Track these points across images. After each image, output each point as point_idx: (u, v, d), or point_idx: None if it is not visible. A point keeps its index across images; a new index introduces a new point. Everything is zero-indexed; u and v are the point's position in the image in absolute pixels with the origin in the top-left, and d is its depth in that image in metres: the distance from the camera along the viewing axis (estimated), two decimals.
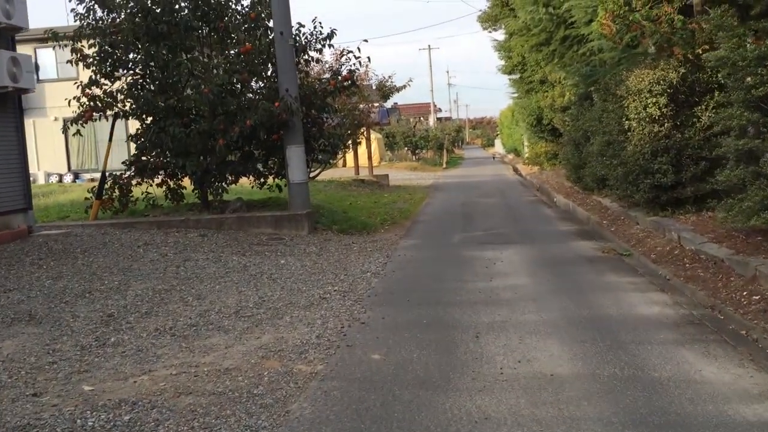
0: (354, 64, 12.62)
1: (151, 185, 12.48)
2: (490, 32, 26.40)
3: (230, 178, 12.31)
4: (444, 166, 36.71)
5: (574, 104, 17.91)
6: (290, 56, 11.76)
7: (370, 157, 24.54)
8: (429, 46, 62.39)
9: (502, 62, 28.00)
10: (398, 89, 20.88)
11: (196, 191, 12.55)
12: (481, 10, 26.60)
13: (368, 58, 12.72)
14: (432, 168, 34.81)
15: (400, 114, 61.48)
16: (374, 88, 20.48)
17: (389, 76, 20.68)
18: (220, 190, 11.80)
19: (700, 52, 10.55)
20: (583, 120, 16.23)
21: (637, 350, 4.90)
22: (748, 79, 7.11)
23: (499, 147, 60.03)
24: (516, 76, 27.03)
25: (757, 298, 6.21)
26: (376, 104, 21.55)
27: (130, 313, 6.29)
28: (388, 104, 61.14)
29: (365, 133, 22.41)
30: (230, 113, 11.62)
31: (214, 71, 11.71)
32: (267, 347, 5.27)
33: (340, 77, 12.66)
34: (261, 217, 11.34)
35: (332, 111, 13.29)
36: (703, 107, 10.45)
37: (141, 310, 6.41)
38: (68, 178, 24.58)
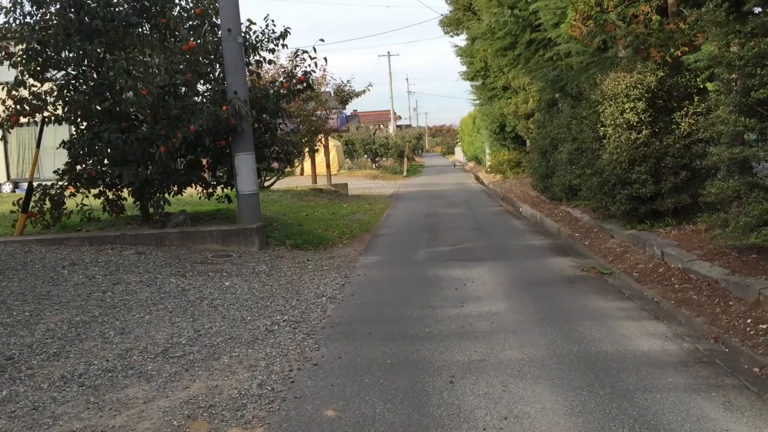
0: (309, 65, 11.70)
1: (87, 196, 11.34)
2: (452, 37, 25.76)
3: (174, 188, 11.23)
4: (405, 174, 35.91)
5: (540, 111, 17.26)
6: (239, 56, 10.77)
7: (328, 166, 23.57)
8: (389, 52, 62.19)
9: (464, 68, 27.38)
10: (357, 94, 19.99)
11: (138, 203, 11.45)
12: (442, 15, 25.92)
13: (324, 59, 11.81)
14: (392, 176, 33.99)
15: (359, 121, 60.65)
16: (332, 93, 19.53)
17: (348, 81, 19.82)
18: (161, 202, 10.71)
19: (679, 54, 9.89)
20: (550, 127, 15.56)
21: (646, 401, 4.06)
22: (749, 80, 6.38)
23: (459, 155, 59.59)
24: (478, 83, 26.42)
25: (764, 327, 5.45)
26: (334, 110, 20.61)
27: (34, 355, 5.22)
28: (348, 111, 60.36)
29: (323, 140, 21.46)
30: (173, 118, 10.59)
31: (155, 71, 10.65)
32: (196, 401, 4.28)
33: (294, 79, 11.70)
34: (206, 232, 10.29)
35: (286, 116, 12.32)
36: (683, 113, 9.78)
37: (49, 350, 5.34)
38: (7, 188, 23.04)
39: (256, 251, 10.22)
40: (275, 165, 15.64)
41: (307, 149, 20.26)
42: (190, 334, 5.83)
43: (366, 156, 41.69)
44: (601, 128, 10.23)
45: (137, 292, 7.31)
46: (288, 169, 23.70)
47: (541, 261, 9.16)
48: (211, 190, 12.08)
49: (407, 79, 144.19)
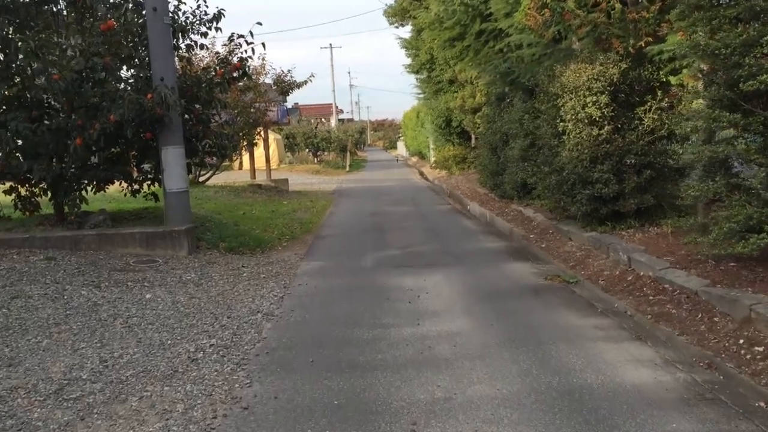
0: (246, 51, 10.66)
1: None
2: (396, 28, 24.97)
3: (93, 185, 10.08)
4: (347, 169, 34.99)
5: (489, 105, 16.62)
6: (166, 38, 9.68)
7: (268, 160, 22.48)
8: (330, 45, 60.64)
9: (409, 60, 26.64)
10: (299, 85, 18.95)
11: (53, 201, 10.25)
12: (387, 5, 25.11)
13: (263, 44, 10.80)
14: (335, 171, 33.03)
15: (300, 114, 59.36)
16: (272, 84, 18.46)
17: (288, 71, 18.76)
18: (77, 201, 9.56)
19: (643, 45, 9.31)
20: (500, 122, 14.92)
21: None
22: (735, 71, 5.73)
23: (402, 149, 58.93)
24: (423, 76, 25.71)
25: (760, 350, 4.80)
26: (274, 102, 19.54)
27: None
28: (289, 104, 59.07)
29: (262, 133, 20.36)
30: (91, 106, 9.44)
31: (71, 54, 9.46)
32: None
33: (229, 66, 10.66)
34: (128, 235, 9.20)
35: (221, 106, 11.26)
36: (646, 108, 9.21)
37: None
38: None
39: (185, 256, 9.18)
40: (209, 160, 14.55)
41: (245, 143, 19.13)
42: (94, 364, 4.83)
43: (308, 150, 40.55)
44: (561, 123, 9.57)
45: (38, 309, 6.24)
46: (226, 164, 22.54)
47: (498, 267, 8.42)
48: (136, 186, 10.97)
49: (349, 73, 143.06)
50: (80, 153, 9.35)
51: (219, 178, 20.72)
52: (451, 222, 13.43)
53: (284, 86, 18.48)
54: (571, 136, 9.33)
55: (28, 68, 9.04)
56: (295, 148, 40.49)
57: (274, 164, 33.03)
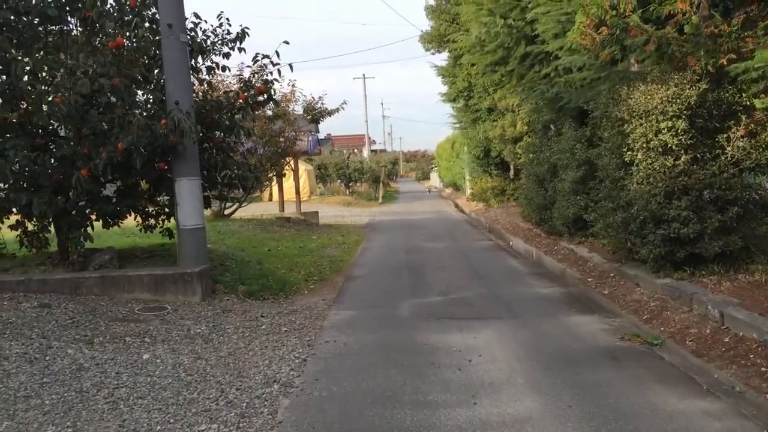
0: (271, 73, 9.66)
1: None
2: (433, 54, 24.02)
3: (101, 220, 9.09)
4: (380, 200, 33.94)
5: (536, 133, 15.42)
6: (182, 58, 8.72)
7: (297, 192, 21.50)
8: (364, 75, 60.12)
9: (446, 88, 25.64)
10: (330, 113, 17.96)
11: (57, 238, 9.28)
12: (422, 31, 24.17)
13: (290, 66, 9.76)
14: (367, 203, 31.99)
15: (333, 145, 58.79)
16: (302, 111, 17.53)
17: (319, 98, 17.79)
18: (80, 238, 8.54)
19: (725, 63, 8.06)
20: (548, 152, 13.71)
21: None
22: None
23: (435, 180, 57.87)
24: (460, 104, 24.64)
25: None
26: (304, 131, 18.60)
27: None
28: (322, 134, 58.50)
29: (292, 163, 19.41)
30: (100, 134, 8.51)
31: (79, 74, 8.53)
32: None
33: (252, 90, 9.66)
34: (135, 278, 8.14)
35: (244, 134, 10.26)
36: (727, 135, 7.95)
37: None
38: None
39: (198, 302, 8.08)
40: (236, 193, 13.59)
41: (273, 174, 18.16)
42: None
43: (339, 181, 39.70)
44: (628, 152, 8.34)
45: (11, 375, 5.15)
46: (255, 195, 21.62)
47: (559, 320, 7.15)
48: (151, 221, 9.99)
49: (382, 104, 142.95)
50: (85, 185, 8.37)
51: (247, 210, 19.77)
52: (494, 261, 12.17)
53: (315, 114, 17.52)
54: (640, 167, 8.09)
55: (30, 92, 8.11)
56: (326, 178, 39.66)
57: (304, 195, 32.15)
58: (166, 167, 8.85)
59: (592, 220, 9.95)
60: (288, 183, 23.77)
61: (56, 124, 8.95)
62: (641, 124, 8.07)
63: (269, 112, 17.12)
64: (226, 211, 17.47)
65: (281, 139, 17.13)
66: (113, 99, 8.47)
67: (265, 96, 9.78)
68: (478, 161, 25.02)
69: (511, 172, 24.21)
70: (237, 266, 10.21)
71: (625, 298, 8.11)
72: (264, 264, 11.18)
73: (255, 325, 7.10)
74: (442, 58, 25.18)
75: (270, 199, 28.62)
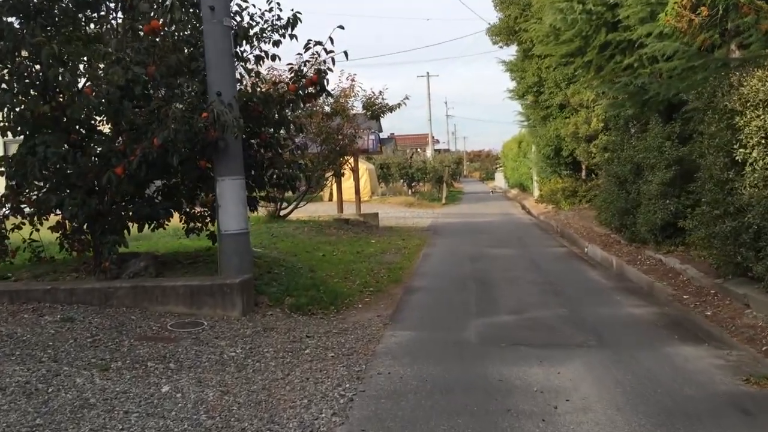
0: (324, 62, 8.70)
1: (38, 229, 8.52)
2: (501, 47, 22.72)
3: (137, 223, 8.32)
4: (443, 201, 32.78)
5: (617, 130, 14.03)
6: (225, 44, 7.85)
7: (357, 192, 20.59)
8: (428, 73, 59.23)
9: (513, 84, 24.34)
10: (391, 108, 16.94)
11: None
12: (490, 23, 22.94)
13: (345, 53, 8.81)
14: (430, 204, 30.88)
15: (396, 144, 57.83)
16: (361, 107, 16.59)
17: (380, 92, 16.77)
18: (113, 243, 7.76)
19: None
20: (631, 150, 12.36)
21: None
22: None
23: (500, 181, 56.30)
24: (529, 101, 23.29)
25: None
26: (365, 129, 17.64)
27: None
28: (385, 134, 57.66)
29: (351, 162, 18.49)
30: (138, 128, 7.74)
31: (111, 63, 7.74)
32: None
33: (303, 80, 8.72)
34: (170, 288, 7.29)
35: (296, 129, 9.36)
36: None
37: None
38: None
39: (238, 317, 7.19)
40: (290, 194, 12.78)
41: (331, 173, 17.28)
42: None
43: (402, 181, 38.69)
44: (740, 150, 7.03)
45: (1, 413, 4.31)
46: (314, 195, 20.83)
47: (662, 352, 5.92)
48: (196, 224, 9.21)
49: (446, 103, 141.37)
50: (118, 185, 7.60)
51: (306, 210, 18.97)
52: (570, 271, 10.92)
53: (375, 109, 16.53)
54: (757, 167, 6.79)
55: (66, 83, 7.36)
56: (389, 178, 38.74)
57: (365, 196, 31.28)
58: (208, 165, 8.00)
59: (691, 228, 8.62)
60: (348, 183, 22.90)
61: (97, 119, 8.27)
62: (758, 116, 6.76)
63: (327, 108, 16.26)
64: (282, 212, 16.66)
65: (339, 137, 16.21)
66: (151, 90, 7.67)
67: (318, 87, 8.83)
68: (548, 161, 23.63)
69: (583, 173, 22.76)
70: (286, 275, 9.31)
71: (734, 322, 6.82)
72: (316, 272, 10.26)
73: (298, 348, 6.13)
74: (510, 53, 23.95)
75: (330, 199, 27.82)
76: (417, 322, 7.34)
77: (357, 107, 16.53)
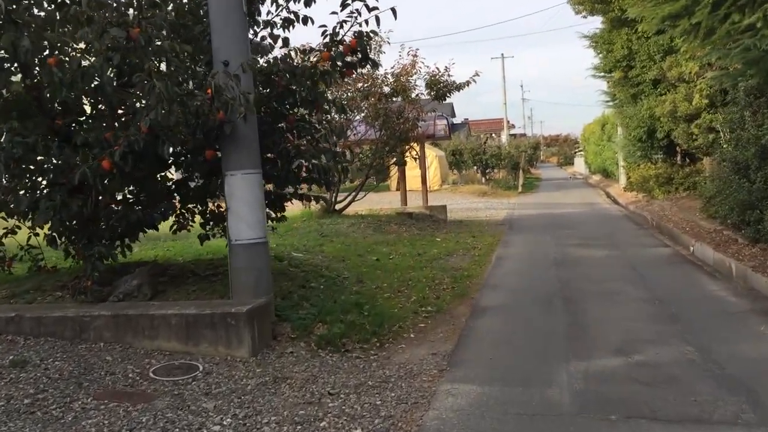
0: (367, 22, 6.78)
1: (36, 233, 7.02)
2: (585, 17, 20.21)
3: (126, 232, 6.65)
4: (519, 189, 30.41)
5: (736, 104, 11.57)
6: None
7: (424, 181, 18.63)
8: (502, 54, 56.22)
9: (598, 60, 21.77)
10: (458, 87, 14.82)
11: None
12: None
13: (393, 10, 6.88)
14: (505, 192, 28.59)
15: (469, 130, 55.36)
16: (424, 86, 14.54)
17: (445, 69, 14.65)
18: (98, 257, 6.11)
19: None
20: (755, 130, 9.98)
21: None
22: None
23: (580, 166, 53.19)
24: (616, 77, 20.70)
25: None
26: (429, 111, 15.61)
27: None
28: (459, 119, 55.36)
29: (416, 149, 16.52)
30: (134, 111, 6.09)
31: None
32: None
33: (340, 46, 6.83)
34: (160, 319, 5.57)
35: (336, 109, 7.51)
36: None
37: None
38: None
39: (246, 357, 5.41)
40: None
41: (391, 160, 15.39)
42: None
43: (475, 168, 36.44)
44: None
45: None
46: (378, 184, 19.03)
47: None
48: (213, 228, 7.55)
49: (522, 86, 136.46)
50: (108, 181, 6.00)
51: (369, 202, 17.23)
52: (682, 282, 8.69)
53: (440, 88, 14.50)
54: None
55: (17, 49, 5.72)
56: (461, 165, 36.58)
57: (435, 185, 29.32)
58: (217, 154, 6.26)
59: None
60: (414, 171, 20.98)
61: (85, 101, 6.68)
62: None
63: (386, 89, 14.36)
64: (338, 206, 14.91)
65: (400, 120, 14.29)
66: (136, 61, 5.94)
67: (359, 54, 6.94)
68: (639, 144, 21.02)
69: (678, 157, 20.11)
70: (325, 290, 7.54)
71: None
72: (365, 282, 8.46)
73: (312, 418, 4.29)
74: (594, 26, 21.38)
75: (397, 189, 25.97)
76: (485, 368, 5.37)
77: (420, 87, 14.54)
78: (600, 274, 9.35)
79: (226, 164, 6.11)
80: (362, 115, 14.42)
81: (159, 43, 5.71)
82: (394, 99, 14.39)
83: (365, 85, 14.01)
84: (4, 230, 6.94)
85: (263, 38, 7.26)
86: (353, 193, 15.19)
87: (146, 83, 5.42)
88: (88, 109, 6.66)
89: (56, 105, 6.50)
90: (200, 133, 5.84)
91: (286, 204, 7.56)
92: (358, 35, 6.83)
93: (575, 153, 64.04)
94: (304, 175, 6.91)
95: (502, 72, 54.87)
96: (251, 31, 7.23)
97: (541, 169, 63.56)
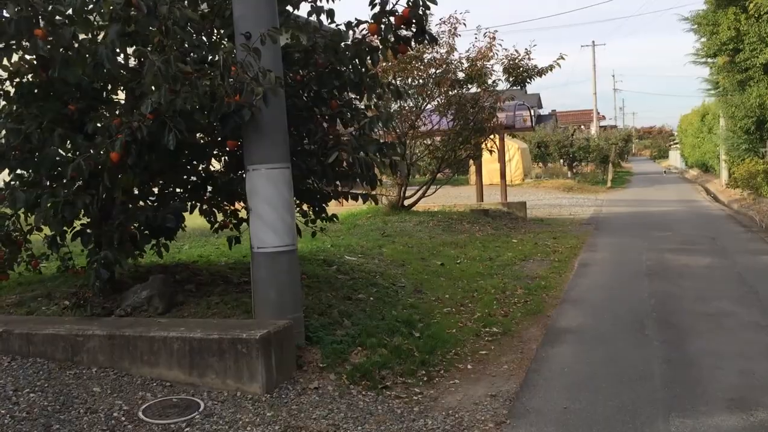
0: None
1: (64, 231, 6.28)
2: None
3: (141, 234, 5.77)
4: (608, 185, 28.44)
5: None
6: None
7: (502, 176, 17.27)
8: (593, 42, 53.62)
9: (699, 45, 19.79)
10: (540, 72, 13.28)
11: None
12: None
13: None
14: (592, 188, 26.74)
15: (557, 121, 53.04)
16: (501, 70, 13.17)
17: (525, 52, 13.17)
18: (104, 263, 5.25)
19: None
20: None
21: None
22: None
23: (675, 160, 50.11)
24: (721, 62, 18.69)
25: None
26: (506, 98, 14.19)
27: None
28: (545, 110, 53.14)
29: (494, 141, 15.19)
30: (142, 95, 5.21)
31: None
32: None
33: (391, 17, 5.73)
34: (160, 342, 4.64)
35: (391, 94, 6.44)
36: None
37: None
38: None
39: (258, 395, 4.41)
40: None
41: (467, 153, 14.14)
42: None
43: (562, 161, 34.58)
44: None
45: None
46: (452, 176, 17.82)
47: None
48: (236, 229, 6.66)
49: (613, 76, 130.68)
50: (118, 176, 5.16)
51: (444, 196, 16.14)
52: None
53: (519, 73, 13.10)
54: None
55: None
56: (546, 158, 34.79)
57: (516, 179, 27.82)
58: (233, 147, 5.31)
59: None
60: (494, 165, 19.62)
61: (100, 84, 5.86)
62: None
63: (460, 75, 13.13)
64: (406, 201, 13.82)
65: (475, 110, 13.02)
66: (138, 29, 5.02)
67: (414, 28, 5.81)
68: (745, 136, 19.02)
69: None
70: (374, 302, 6.52)
71: None
72: (423, 292, 7.38)
73: None
74: (696, 7, 19.37)
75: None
76: (556, 425, 4.17)
77: (497, 72, 13.20)
78: (703, 289, 7.89)
79: (248, 156, 5.12)
80: (434, 103, 13.24)
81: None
82: (468, 86, 13.14)
83: (437, 71, 12.83)
84: (29, 226, 6.21)
85: (310, 13, 6.28)
86: (423, 187, 14.05)
87: (144, 60, 4.49)
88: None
89: (73, 88, 5.70)
90: (215, 119, 4.86)
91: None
92: (413, 3, 5.69)
93: (670, 146, 60.66)
94: (345, 168, 5.82)
95: (593, 60, 52.30)
96: (290, 7, 6.28)
97: (632, 162, 60.38)
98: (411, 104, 13.25)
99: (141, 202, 5.78)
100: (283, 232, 5.12)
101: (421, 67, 12.83)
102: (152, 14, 4.67)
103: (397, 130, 12.85)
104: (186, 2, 5.17)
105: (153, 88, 4.56)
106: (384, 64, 12.66)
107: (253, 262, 5.19)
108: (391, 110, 13.05)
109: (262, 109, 4.85)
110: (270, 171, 5.07)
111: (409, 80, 13.01)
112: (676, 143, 49.78)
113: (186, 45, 5.02)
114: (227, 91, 4.62)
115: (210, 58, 5.19)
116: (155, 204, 5.66)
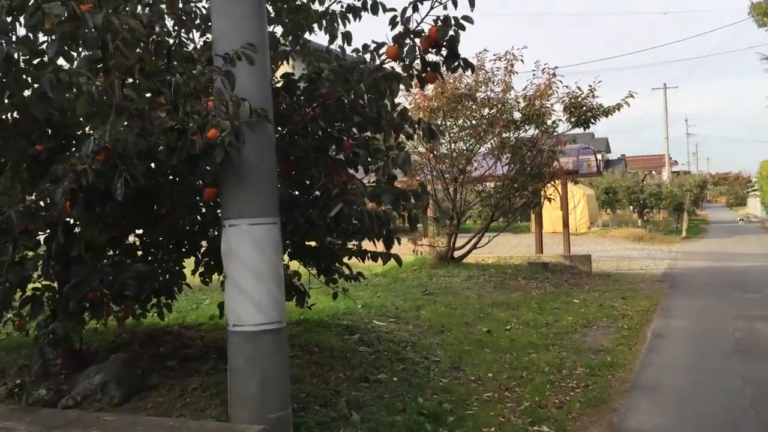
0: (455, 3, 4.57)
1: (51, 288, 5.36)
2: None
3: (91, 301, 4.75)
4: (683, 234, 26.45)
5: None
6: None
7: (565, 225, 15.83)
8: (665, 84, 51.39)
9: None
10: (606, 111, 11.92)
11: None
12: (752, 2, 17.01)
13: None
14: (665, 238, 24.81)
15: (626, 166, 50.89)
16: (562, 109, 11.88)
17: (589, 90, 11.83)
18: (54, 338, 4.23)
19: None
20: None
21: None
22: None
23: (755, 208, 47.21)
24: None
25: None
26: (571, 144, 12.87)
27: None
28: (614, 155, 51.03)
29: (556, 187, 13.87)
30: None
31: None
32: None
33: (417, 38, 4.63)
34: None
35: (420, 130, 5.31)
36: None
37: None
38: None
39: None
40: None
41: (523, 201, 12.84)
42: None
43: (631, 207, 32.67)
44: None
45: None
46: (511, 225, 16.46)
47: None
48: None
49: (686, 120, 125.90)
50: (70, 232, 4.19)
51: (502, 245, 14.77)
52: None
53: (582, 113, 11.79)
54: None
55: None
56: (615, 204, 32.92)
57: (582, 227, 26.18)
58: (210, 195, 4.26)
59: None
60: (557, 212, 18.20)
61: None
62: None
63: (516, 115, 11.94)
64: (456, 253, 12.57)
65: (532, 153, 11.77)
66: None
67: (445, 51, 4.70)
68: None
69: None
70: (397, 384, 5.36)
71: None
72: (462, 369, 6.17)
73: None
74: None
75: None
76: None
77: (557, 112, 11.94)
78: None
79: (225, 209, 4.06)
80: (487, 146, 12.08)
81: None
82: (525, 127, 11.93)
83: (491, 111, 11.69)
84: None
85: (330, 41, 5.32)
86: (475, 237, 12.78)
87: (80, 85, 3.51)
88: None
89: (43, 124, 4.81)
90: (176, 161, 3.81)
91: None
92: (443, 23, 4.58)
93: (748, 192, 57.58)
94: (355, 222, 4.65)
95: (665, 103, 50.08)
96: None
97: (707, 209, 57.36)
98: (462, 147, 12.13)
99: (106, 261, 4.77)
100: (268, 305, 4.00)
101: (473, 106, 11.72)
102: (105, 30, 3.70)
103: (446, 176, 11.74)
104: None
105: (85, 120, 3.55)
106: (434, 103, 11.67)
107: (230, 345, 4.08)
108: (439, 153, 12.04)
109: (246, 150, 3.79)
110: (252, 227, 3.99)
111: (460, 121, 11.91)
112: (755, 190, 47.01)
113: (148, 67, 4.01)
114: (184, 125, 3.59)
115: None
116: (112, 265, 4.59)
